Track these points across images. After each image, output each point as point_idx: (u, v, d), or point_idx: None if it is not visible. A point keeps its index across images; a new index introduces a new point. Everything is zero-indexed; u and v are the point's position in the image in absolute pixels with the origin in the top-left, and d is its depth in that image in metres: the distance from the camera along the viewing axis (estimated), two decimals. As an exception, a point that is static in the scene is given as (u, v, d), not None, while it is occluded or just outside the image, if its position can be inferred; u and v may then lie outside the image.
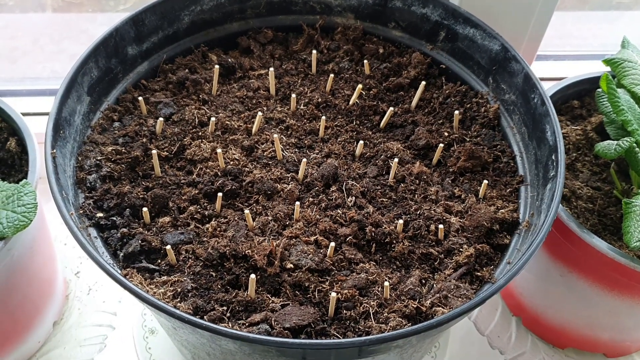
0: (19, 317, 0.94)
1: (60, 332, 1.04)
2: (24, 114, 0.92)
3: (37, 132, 0.87)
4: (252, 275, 0.66)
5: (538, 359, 1.07)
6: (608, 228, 0.91)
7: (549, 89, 1.00)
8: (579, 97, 1.05)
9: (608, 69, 0.95)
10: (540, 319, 1.06)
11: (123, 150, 0.80)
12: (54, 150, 0.71)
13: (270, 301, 0.67)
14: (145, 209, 0.73)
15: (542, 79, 1.15)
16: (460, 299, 0.68)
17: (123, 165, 0.78)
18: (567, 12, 1.52)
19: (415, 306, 0.67)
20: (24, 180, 0.79)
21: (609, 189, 0.94)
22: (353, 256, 0.72)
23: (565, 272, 0.93)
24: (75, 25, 1.53)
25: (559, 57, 1.29)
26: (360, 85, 0.88)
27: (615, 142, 0.85)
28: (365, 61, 0.94)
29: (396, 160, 0.80)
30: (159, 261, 0.71)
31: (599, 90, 0.95)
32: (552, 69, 1.26)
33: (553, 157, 0.74)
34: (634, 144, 0.83)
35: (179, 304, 0.66)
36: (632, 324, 0.97)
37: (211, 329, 0.58)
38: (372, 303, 0.68)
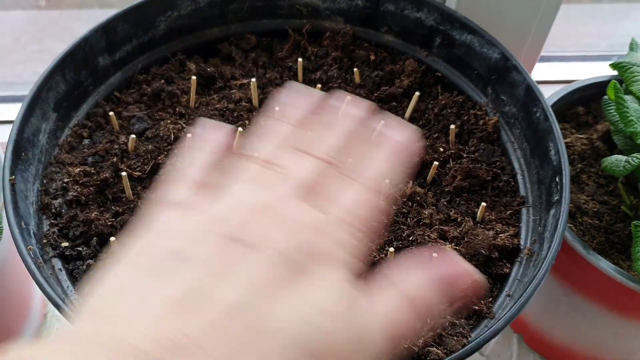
0: (-11, 342, 0.89)
1: (37, 355, 0.99)
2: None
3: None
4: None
5: (541, 380, 1.02)
6: (615, 246, 0.85)
7: (553, 94, 0.94)
8: (585, 102, 0.99)
9: (616, 72, 0.89)
10: (544, 338, 1.01)
11: (92, 171, 0.74)
12: (13, 177, 0.66)
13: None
14: (113, 239, 0.67)
15: (545, 82, 1.09)
16: (455, 338, 0.62)
17: (91, 188, 0.72)
18: (571, 5, 1.45)
19: (406, 346, 0.62)
20: (-11, 202, 0.74)
21: (616, 203, 0.89)
22: (339, 289, 0.66)
23: (570, 292, 0.88)
24: (59, 23, 1.47)
25: (563, 58, 1.23)
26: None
27: (624, 158, 0.80)
28: (355, 69, 0.87)
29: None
30: (128, 296, 0.65)
31: (606, 97, 0.90)
32: (556, 71, 1.20)
33: (557, 179, 0.69)
34: (645, 160, 0.78)
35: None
36: (639, 347, 0.92)
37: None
38: (359, 342, 0.62)
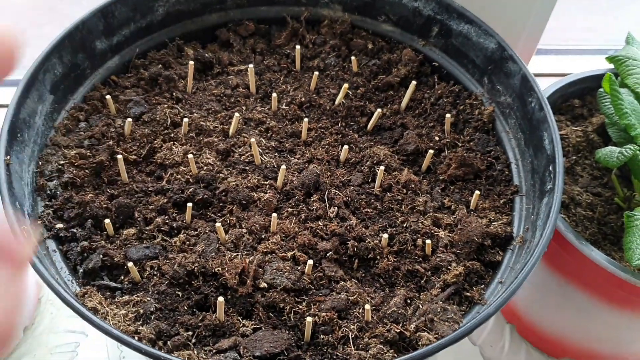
0: (-16, 324, 0.89)
1: (31, 338, 0.99)
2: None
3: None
4: (220, 299, 0.61)
5: (531, 372, 1.02)
6: (608, 237, 0.86)
7: (549, 86, 0.94)
8: (581, 95, 1.00)
9: (612, 66, 0.89)
10: (536, 328, 1.01)
11: (88, 153, 0.74)
12: (8, 157, 0.66)
13: (241, 325, 0.62)
14: (107, 221, 0.67)
15: (542, 75, 1.09)
16: (447, 323, 0.62)
17: (87, 171, 0.72)
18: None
19: (398, 331, 0.62)
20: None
21: (609, 195, 0.89)
22: (333, 273, 0.67)
23: (563, 283, 0.88)
24: (58, 9, 1.47)
25: (560, 51, 1.23)
26: (346, 85, 0.82)
27: (618, 149, 0.80)
28: (352, 57, 0.87)
29: (382, 168, 0.74)
30: (122, 278, 0.65)
31: (601, 90, 0.90)
32: (553, 64, 1.20)
33: (551, 168, 0.69)
34: (638, 152, 0.78)
35: (140, 328, 0.60)
36: (631, 338, 0.93)
37: (170, 361, 0.52)
38: (352, 327, 0.62)
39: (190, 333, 0.61)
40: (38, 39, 1.41)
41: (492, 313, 0.57)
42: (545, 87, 0.93)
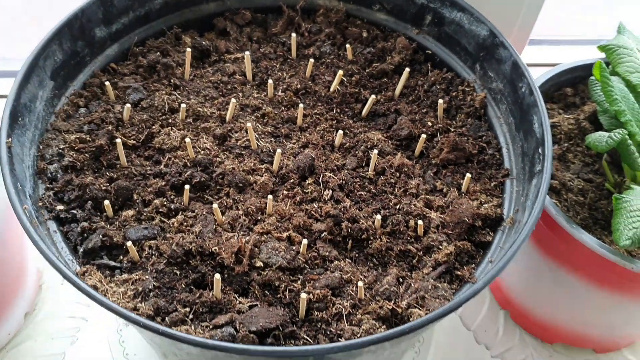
0: (-13, 307, 0.91)
1: (32, 324, 1.01)
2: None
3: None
4: (217, 275, 0.62)
5: (526, 354, 1.04)
6: (599, 222, 0.87)
7: (541, 75, 0.96)
8: (573, 84, 1.01)
9: (603, 55, 0.91)
10: (529, 314, 1.03)
11: (87, 138, 0.75)
12: (10, 139, 0.67)
13: (238, 302, 0.64)
14: (107, 202, 0.69)
15: (535, 65, 1.11)
16: (438, 300, 0.64)
17: (87, 155, 0.74)
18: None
19: (390, 307, 0.64)
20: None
21: (600, 181, 0.90)
22: (327, 253, 0.69)
23: (555, 267, 0.90)
24: (57, 3, 1.48)
25: (553, 42, 1.25)
26: (341, 72, 0.84)
27: (607, 134, 0.81)
28: (347, 45, 0.89)
29: (376, 151, 0.76)
30: (121, 257, 0.67)
31: (592, 78, 0.91)
32: (546, 54, 1.21)
33: (540, 150, 0.70)
34: (627, 136, 0.79)
35: (139, 305, 0.62)
36: (622, 320, 0.95)
37: (168, 334, 0.54)
38: (345, 304, 0.64)
39: (187, 309, 0.62)
40: (38, 34, 1.42)
41: (480, 288, 0.59)
42: (538, 76, 0.94)
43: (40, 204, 0.69)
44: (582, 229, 0.81)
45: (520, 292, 1.02)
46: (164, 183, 0.73)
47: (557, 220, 0.82)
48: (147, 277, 0.65)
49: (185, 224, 0.69)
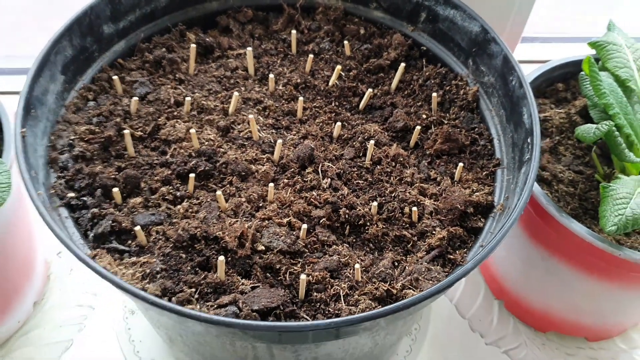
0: (-1, 296, 0.94)
1: (41, 313, 1.04)
2: (2, 93, 0.91)
3: (14, 112, 0.86)
4: (221, 257, 0.66)
5: (519, 342, 1.07)
6: (589, 212, 0.90)
7: (533, 71, 0.99)
8: (564, 80, 1.05)
9: (594, 52, 0.94)
10: (522, 303, 1.06)
11: (97, 129, 0.79)
12: (24, 129, 0.71)
13: (240, 283, 0.67)
14: (116, 189, 0.72)
15: (528, 62, 1.14)
16: (431, 282, 0.67)
17: (96, 145, 0.78)
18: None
19: (385, 288, 0.67)
20: (-1, 159, 0.79)
21: (590, 173, 0.94)
22: (326, 238, 0.72)
23: (546, 256, 0.93)
24: (58, 3, 1.51)
25: (546, 39, 1.28)
26: (339, 67, 0.87)
27: (595, 125, 0.85)
28: (345, 42, 0.92)
29: (372, 142, 0.79)
30: (129, 242, 0.70)
31: (583, 73, 0.94)
32: (538, 51, 1.25)
33: (529, 140, 0.74)
34: (613, 128, 0.83)
35: (147, 285, 0.65)
36: (612, 308, 0.97)
37: (176, 310, 0.57)
38: (342, 285, 0.67)
39: (193, 290, 0.66)
40: (40, 32, 1.45)
41: (470, 269, 0.62)
42: (529, 72, 0.98)
43: (52, 191, 0.72)
44: (572, 219, 0.84)
45: (514, 282, 1.05)
46: (170, 172, 0.76)
47: (548, 210, 0.85)
48: (154, 260, 0.68)
49: (190, 210, 0.73)
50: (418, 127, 0.82)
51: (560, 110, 1.00)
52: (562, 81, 1.04)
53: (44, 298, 1.06)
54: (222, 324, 0.57)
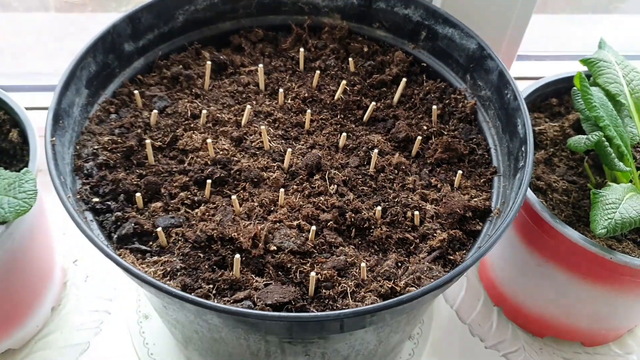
0: (19, 300, 0.98)
1: (58, 317, 1.08)
2: (26, 109, 0.97)
3: (37, 125, 0.91)
4: (237, 255, 0.71)
5: (518, 346, 1.11)
6: (582, 220, 0.95)
7: (528, 87, 1.05)
8: (558, 95, 1.10)
9: (586, 68, 0.99)
10: (520, 309, 1.10)
11: (119, 140, 0.84)
12: (54, 138, 0.76)
13: (254, 280, 0.72)
14: (138, 194, 0.77)
15: (523, 79, 1.20)
16: (432, 280, 0.72)
17: (118, 154, 0.83)
18: (554, 15, 1.57)
19: (390, 286, 0.72)
20: (25, 168, 0.84)
21: (583, 183, 0.98)
22: (333, 240, 0.77)
23: (542, 262, 0.97)
24: (77, 24, 1.58)
25: (540, 57, 1.34)
26: (344, 82, 0.93)
27: (586, 136, 0.90)
28: (350, 59, 0.98)
29: (376, 151, 0.85)
30: (151, 243, 0.75)
31: (575, 88, 0.99)
32: (533, 68, 1.30)
33: (523, 148, 0.79)
34: (603, 138, 0.88)
35: (168, 282, 0.70)
36: (607, 312, 1.01)
37: (197, 302, 0.62)
38: (349, 283, 0.72)
39: (211, 286, 0.71)
40: (59, 51, 1.52)
41: (469, 265, 0.67)
42: (524, 87, 1.03)
43: (78, 196, 0.78)
44: (566, 225, 0.89)
45: (512, 289, 1.09)
46: (187, 179, 0.82)
47: (543, 216, 0.90)
48: (174, 259, 0.73)
49: (207, 213, 0.78)
50: (419, 138, 0.87)
51: (554, 124, 1.05)
52: (555, 96, 1.10)
53: (61, 304, 1.10)
54: (240, 314, 0.62)
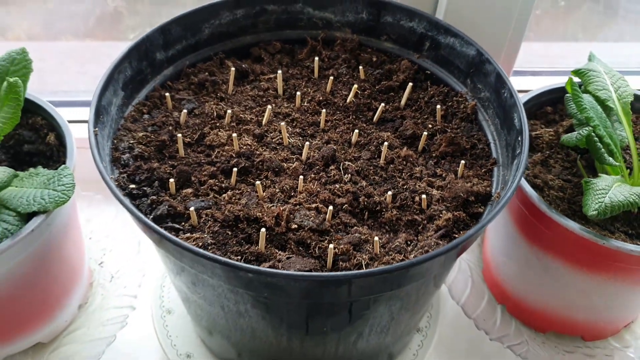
0: (50, 294, 1.04)
1: (85, 314, 1.15)
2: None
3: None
4: (263, 229, 0.78)
5: (521, 341, 1.16)
6: (577, 213, 1.01)
7: (524, 96, 1.13)
8: (552, 104, 1.18)
9: (578, 80, 1.08)
10: (523, 305, 1.15)
11: (152, 135, 0.93)
12: (96, 129, 0.85)
13: (278, 254, 0.79)
14: (172, 180, 0.85)
15: (519, 91, 1.29)
16: (439, 253, 0.79)
17: (152, 148, 0.91)
18: (548, 43, 1.68)
19: (401, 258, 0.79)
20: (63, 165, 0.92)
21: (577, 181, 1.05)
22: (348, 221, 0.84)
23: (541, 255, 1.03)
24: (98, 50, 1.68)
25: (535, 72, 1.43)
26: (355, 86, 1.02)
27: (576, 132, 0.98)
28: (360, 67, 1.08)
29: (386, 144, 0.93)
30: (183, 223, 0.83)
31: (568, 95, 1.08)
32: (528, 82, 1.40)
33: (519, 138, 0.87)
34: (592, 133, 0.96)
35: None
36: (604, 304, 1.06)
37: (231, 264, 0.69)
38: (364, 257, 0.79)
39: (239, 257, 0.78)
40: (81, 75, 1.61)
41: (472, 233, 0.74)
42: (520, 97, 1.11)
43: (116, 183, 0.86)
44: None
45: (514, 285, 1.15)
46: (215, 169, 0.90)
47: (540, 208, 0.96)
48: (205, 236, 0.80)
49: (233, 198, 0.86)
50: (425, 134, 0.95)
51: (549, 129, 1.13)
52: (550, 105, 1.18)
53: (88, 302, 1.17)
54: (269, 275, 0.69)
